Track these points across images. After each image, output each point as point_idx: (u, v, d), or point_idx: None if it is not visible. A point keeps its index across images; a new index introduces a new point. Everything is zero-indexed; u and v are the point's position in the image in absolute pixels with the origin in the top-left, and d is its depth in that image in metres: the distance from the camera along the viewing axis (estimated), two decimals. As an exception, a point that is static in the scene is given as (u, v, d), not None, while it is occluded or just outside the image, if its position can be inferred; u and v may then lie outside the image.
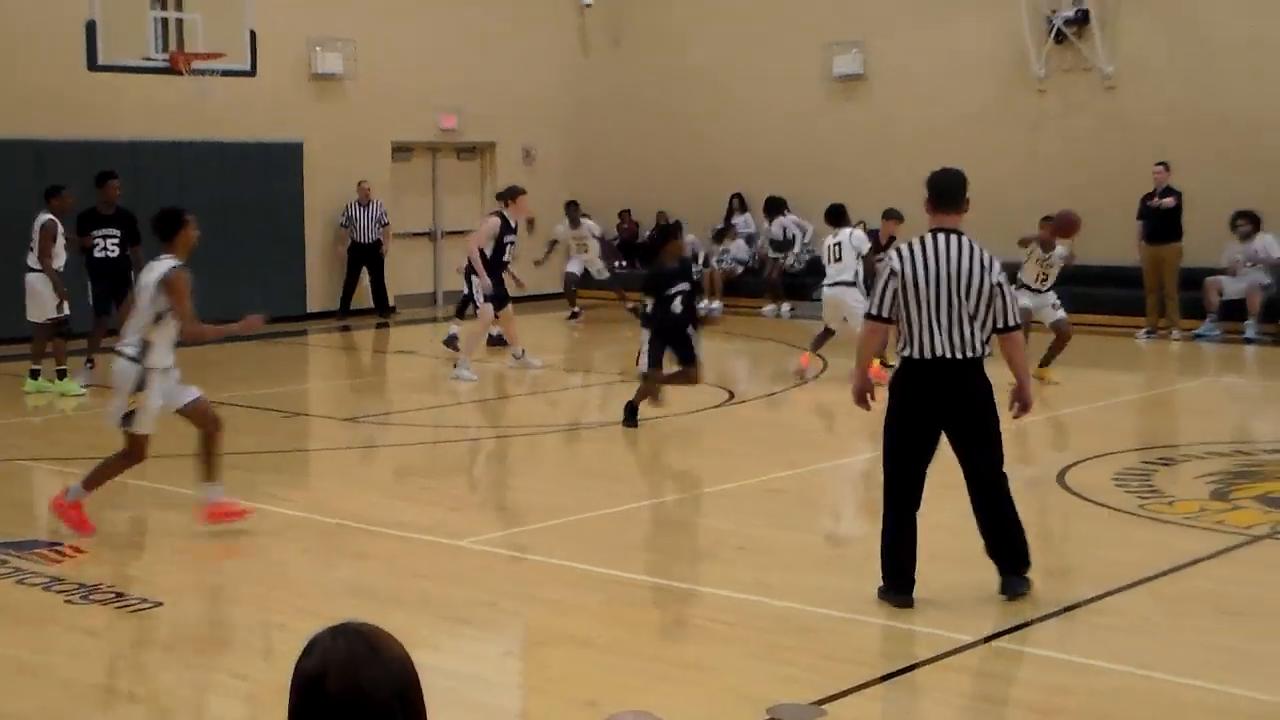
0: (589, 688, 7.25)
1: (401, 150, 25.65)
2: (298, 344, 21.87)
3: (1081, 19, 22.81)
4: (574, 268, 24.49)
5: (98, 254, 16.78)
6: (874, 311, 8.41)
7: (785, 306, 24.67)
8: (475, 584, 9.24)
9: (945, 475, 8.56)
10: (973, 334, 8.17)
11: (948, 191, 8.50)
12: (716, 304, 25.18)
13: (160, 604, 8.73)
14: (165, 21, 18.44)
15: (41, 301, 16.38)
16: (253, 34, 19.15)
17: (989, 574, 8.92)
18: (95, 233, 16.80)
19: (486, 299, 17.42)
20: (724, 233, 26.12)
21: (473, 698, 7.11)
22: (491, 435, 15.03)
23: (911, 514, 8.37)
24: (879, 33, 24.83)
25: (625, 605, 8.84)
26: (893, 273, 8.24)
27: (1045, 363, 16.36)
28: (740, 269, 25.81)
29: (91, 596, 8.80)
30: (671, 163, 27.05)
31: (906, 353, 8.29)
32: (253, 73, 19.52)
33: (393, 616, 8.07)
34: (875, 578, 8.83)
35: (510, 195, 17.88)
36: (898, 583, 8.29)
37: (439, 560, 9.79)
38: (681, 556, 9.97)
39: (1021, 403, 8.55)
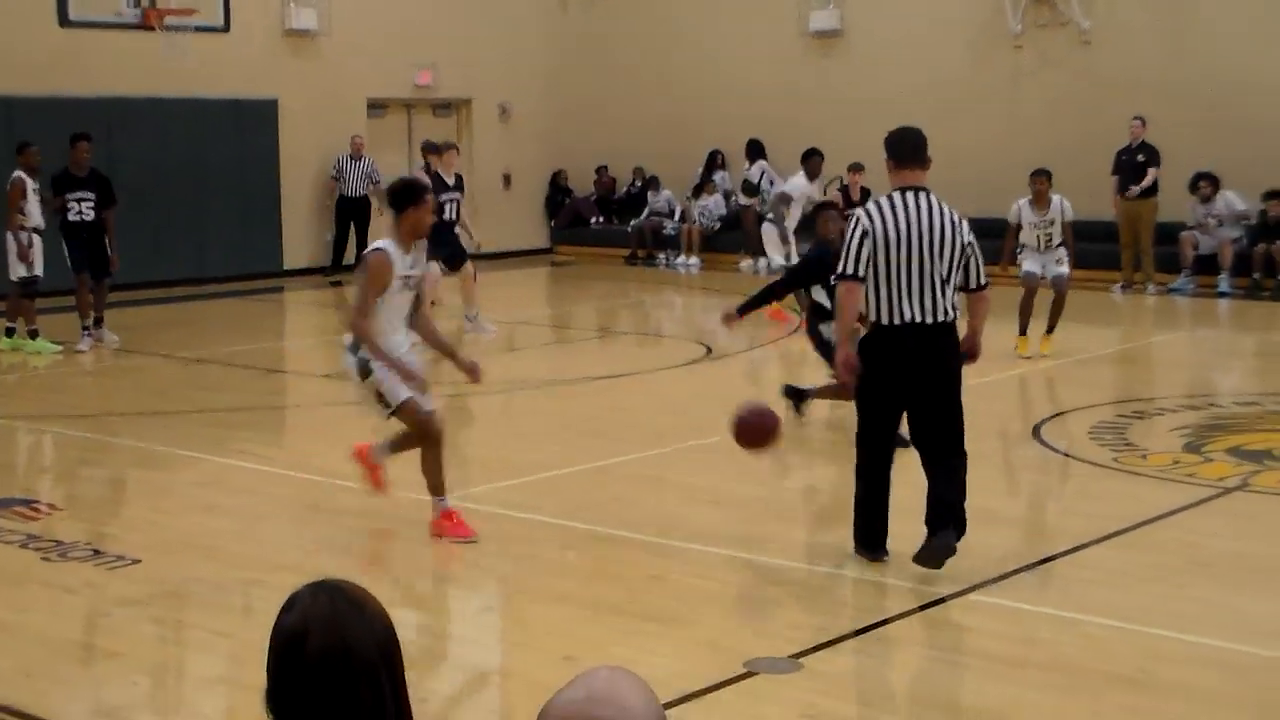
0: (567, 643, 7.28)
1: (376, 107, 25.55)
2: (274, 300, 21.83)
3: (1057, -28, 22.79)
4: None
5: (71, 217, 16.52)
6: (850, 270, 7.98)
7: (762, 261, 24.66)
8: (444, 539, 9.26)
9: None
10: (945, 297, 7.97)
11: (912, 147, 8.24)
12: (694, 260, 25.20)
13: (139, 561, 8.73)
14: (137, -24, 18.37)
15: (9, 261, 16.32)
16: (226, -10, 19.08)
17: (968, 529, 8.97)
18: (69, 195, 16.56)
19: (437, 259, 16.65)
20: (701, 188, 26.09)
21: (451, 653, 7.15)
22: (469, 392, 15.02)
23: (885, 475, 8.28)
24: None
25: (603, 560, 8.87)
26: (865, 233, 7.93)
27: (1050, 329, 15.59)
28: (718, 225, 25.78)
29: (69, 554, 8.80)
30: (649, 119, 26.98)
31: (875, 318, 8.02)
32: (226, 29, 19.46)
33: (370, 573, 8.10)
34: (850, 532, 8.87)
35: (435, 150, 17.65)
36: (871, 540, 8.23)
37: (417, 517, 9.80)
38: (658, 512, 10.00)
39: (970, 353, 8.32)
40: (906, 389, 8.07)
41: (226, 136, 22.74)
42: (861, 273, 7.94)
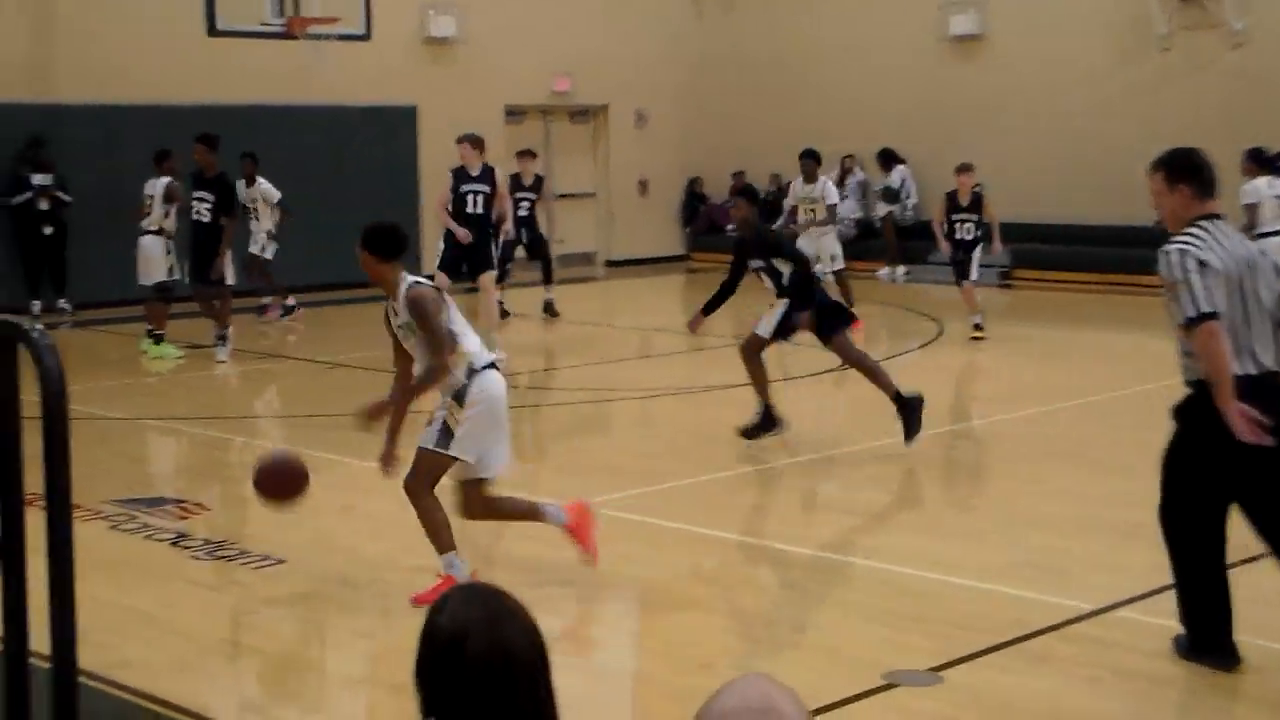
0: (704, 650, 7.29)
1: (515, 113, 25.74)
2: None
3: (1210, -27, 22.40)
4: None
5: (192, 216, 16.56)
6: (1208, 309, 6.40)
7: (900, 270, 24.55)
8: (590, 546, 9.31)
9: (1052, 444, 8.51)
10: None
11: (1211, 173, 6.96)
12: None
13: (283, 561, 8.88)
14: (283, -12, 18.68)
15: (153, 265, 16.54)
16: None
17: (1103, 543, 8.88)
18: (191, 195, 16.63)
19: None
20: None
21: (590, 660, 7.19)
22: (607, 398, 15.10)
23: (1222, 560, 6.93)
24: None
25: (738, 568, 8.89)
26: (1202, 264, 6.46)
27: None
28: (855, 232, 25.64)
29: (216, 553, 8.98)
30: (784, 124, 26.88)
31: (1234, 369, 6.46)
32: (367, 37, 19.72)
33: (509, 578, 8.17)
34: (994, 547, 8.78)
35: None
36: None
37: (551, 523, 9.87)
38: (794, 520, 9.98)
39: None
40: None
41: (367, 143, 23.05)
42: (1222, 308, 6.47)
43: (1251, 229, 15.95)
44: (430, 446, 8.04)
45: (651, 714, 6.73)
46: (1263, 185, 16.44)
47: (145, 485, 10.82)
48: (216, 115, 21.03)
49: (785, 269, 11.91)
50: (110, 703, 6.58)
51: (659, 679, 7.18)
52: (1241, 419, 6.32)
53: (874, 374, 11.69)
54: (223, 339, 16.37)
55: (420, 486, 8.07)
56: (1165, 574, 8.35)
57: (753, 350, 11.98)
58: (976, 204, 17.10)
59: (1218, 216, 6.76)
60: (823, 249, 18.21)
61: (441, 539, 8.03)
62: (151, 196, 16.47)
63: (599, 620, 8.17)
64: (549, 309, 19.65)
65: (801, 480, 11.10)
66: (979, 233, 17.24)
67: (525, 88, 25.57)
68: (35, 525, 2.98)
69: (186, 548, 9.12)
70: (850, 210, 25.82)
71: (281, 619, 8.11)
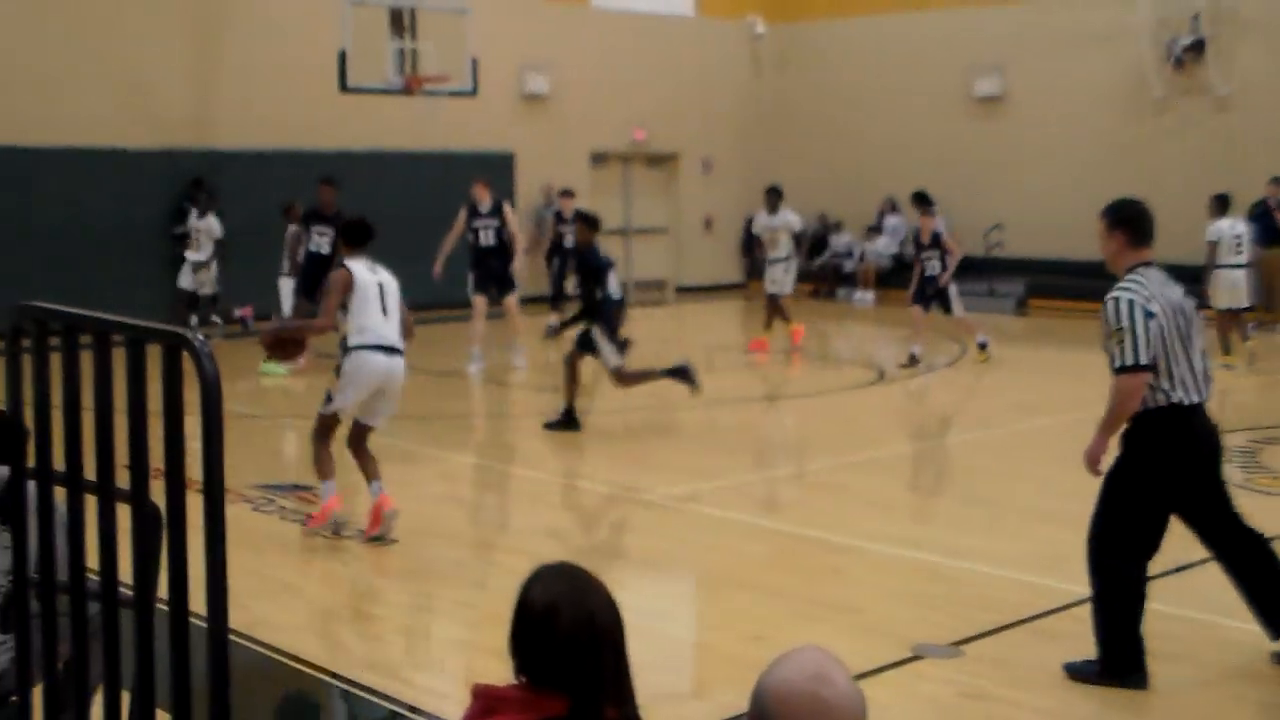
0: (756, 624, 7.30)
1: (598, 159, 25.82)
2: (503, 324, 22.11)
3: (1198, 46, 22.27)
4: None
5: (312, 248, 16.57)
6: (1145, 361, 6.21)
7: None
8: (656, 533, 9.34)
9: (1062, 450, 8.40)
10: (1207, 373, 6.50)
11: (1149, 222, 6.74)
12: (870, 294, 25.04)
13: (396, 541, 8.96)
14: (403, 50, 18.78)
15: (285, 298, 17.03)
16: (474, 60, 19.41)
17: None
18: (314, 228, 16.58)
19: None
20: (876, 231, 25.93)
21: (658, 630, 7.20)
22: (675, 407, 15.12)
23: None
24: (1017, 58, 24.48)
25: (787, 554, 8.88)
26: (1149, 315, 6.22)
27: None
28: (890, 264, 25.56)
29: (341, 532, 9.05)
30: (831, 169, 26.93)
31: (1174, 399, 6.30)
32: (473, 93, 19.79)
33: (589, 558, 8.21)
34: (1009, 538, 8.73)
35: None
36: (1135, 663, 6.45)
37: (624, 511, 9.91)
38: (837, 513, 9.97)
39: None
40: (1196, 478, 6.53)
41: (470, 183, 23.12)
42: (1151, 361, 6.24)
43: (1211, 262, 16.41)
44: (319, 409, 9.11)
45: (711, 678, 6.74)
46: (1224, 226, 16.59)
47: (280, 473, 10.92)
48: (346, 160, 21.25)
49: (599, 292, 11.99)
50: (251, 656, 6.67)
51: (717, 648, 7.20)
52: (1097, 455, 6.47)
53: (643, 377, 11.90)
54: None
55: (316, 436, 9.09)
56: (1158, 564, 8.29)
57: (575, 361, 12.41)
58: (936, 242, 16.68)
59: (1149, 264, 6.52)
60: (771, 272, 18.31)
61: (320, 471, 9.02)
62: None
63: (665, 596, 8.19)
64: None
65: (843, 478, 11.08)
66: (941, 268, 16.64)
67: (608, 137, 25.64)
68: (194, 506, 3.04)
69: (315, 527, 9.21)
70: (887, 247, 25.75)
71: (393, 589, 8.19)
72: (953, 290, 16.66)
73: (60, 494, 3.55)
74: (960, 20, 25.32)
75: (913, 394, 15.61)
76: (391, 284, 9.05)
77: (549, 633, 2.76)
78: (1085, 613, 7.38)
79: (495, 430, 13.64)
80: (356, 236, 9.18)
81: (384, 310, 8.92)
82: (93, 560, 3.44)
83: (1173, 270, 6.81)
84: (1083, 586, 7.73)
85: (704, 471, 11.40)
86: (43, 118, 19.09)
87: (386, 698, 6.30)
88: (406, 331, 9.10)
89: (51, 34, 19.22)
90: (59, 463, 3.50)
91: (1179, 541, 8.86)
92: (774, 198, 18.54)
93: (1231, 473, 10.69)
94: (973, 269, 24.59)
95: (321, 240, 16.40)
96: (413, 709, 6.17)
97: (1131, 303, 6.26)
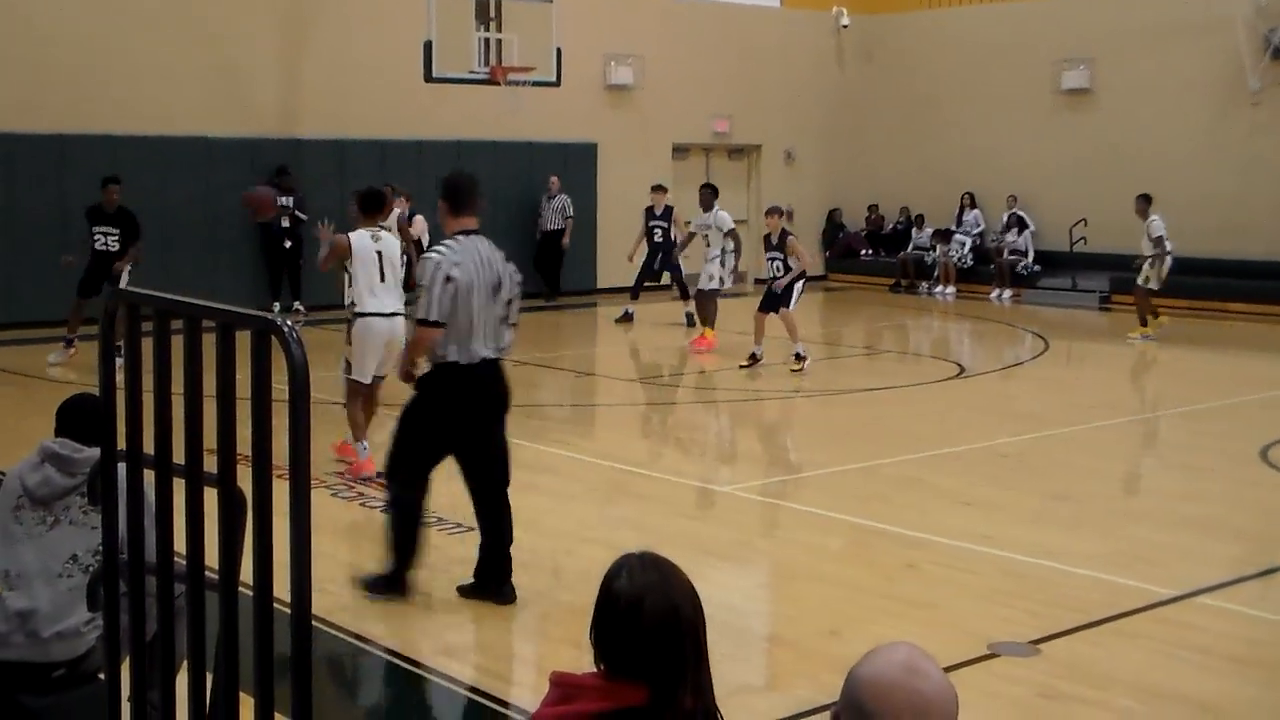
0: (832, 619, 7.30)
1: (680, 150, 25.81)
2: (588, 314, 22.21)
3: (1298, 35, 21.83)
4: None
5: (98, 246, 15.54)
6: (433, 317, 7.10)
7: (1006, 292, 24.24)
8: (734, 525, 9.35)
9: (1145, 448, 8.36)
10: (503, 334, 7.38)
11: (469, 194, 7.45)
12: (950, 289, 24.87)
13: (472, 529, 9.00)
14: (487, 41, 18.87)
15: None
16: (558, 51, 19.47)
17: (1192, 536, 8.72)
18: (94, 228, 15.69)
19: None
20: (957, 226, 25.74)
21: (730, 622, 7.22)
22: (754, 398, 15.13)
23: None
24: (1106, 51, 24.17)
25: (864, 548, 8.86)
26: (449, 278, 7.09)
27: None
28: (971, 259, 25.36)
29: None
30: (914, 163, 26.79)
31: (454, 357, 7.19)
32: (558, 83, 19.84)
33: (663, 549, 8.22)
34: (1089, 536, 8.67)
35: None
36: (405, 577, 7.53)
37: (703, 503, 9.92)
38: (914, 508, 9.93)
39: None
40: (477, 422, 7.42)
41: (555, 173, 23.24)
42: (445, 318, 7.12)
43: None
44: (342, 374, 10.31)
45: (786, 671, 6.74)
46: None
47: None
48: (430, 149, 21.43)
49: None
50: (333, 641, 6.76)
51: (792, 640, 7.20)
52: (405, 372, 7.64)
53: None
54: None
55: (349, 400, 10.32)
56: (1245, 566, 8.18)
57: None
58: (782, 243, 15.87)
59: (470, 232, 7.35)
60: (706, 269, 18.16)
61: (355, 433, 10.26)
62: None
63: (740, 589, 8.19)
64: (689, 320, 19.46)
65: (920, 473, 11.03)
66: (787, 269, 15.78)
67: (690, 129, 25.62)
68: (279, 491, 3.08)
69: (395, 514, 9.30)
70: (965, 244, 25.53)
71: (466, 576, 8.23)
72: (796, 289, 15.85)
73: (149, 477, 3.61)
74: (1048, 12, 25.04)
75: (994, 389, 15.49)
76: (391, 250, 10.12)
77: (634, 623, 2.77)
78: (1170, 614, 7.33)
79: (585, 420, 13.68)
80: (367, 205, 10.23)
81: (381, 276, 9.99)
82: (180, 543, 3.50)
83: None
84: (1167, 587, 7.68)
85: (782, 464, 11.40)
86: (133, 107, 19.38)
87: (462, 684, 6.36)
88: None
89: (142, 24, 19.48)
90: (149, 446, 3.56)
91: (1262, 549, 8.74)
92: (708, 194, 18.45)
93: None
94: (1057, 264, 24.40)
95: (108, 239, 15.50)
96: (489, 696, 6.22)
97: (438, 264, 7.17)
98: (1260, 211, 21.60)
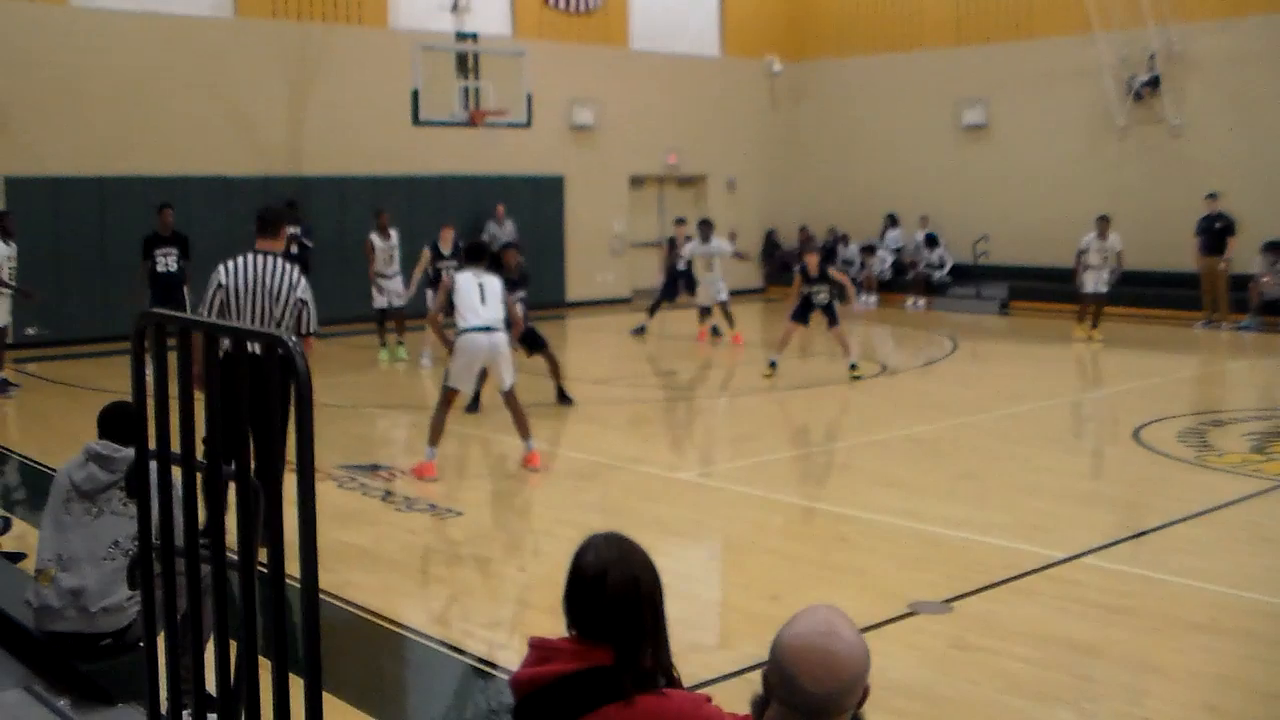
0: (773, 585, 7.33)
1: (637, 181, 25.83)
2: (558, 324, 22.19)
3: (1154, 83, 22.20)
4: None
5: (159, 268, 15.42)
6: (203, 316, 7.22)
7: (921, 300, 24.36)
8: (687, 506, 9.36)
9: (1040, 432, 8.41)
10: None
11: (270, 222, 7.85)
12: (873, 298, 24.96)
13: (461, 514, 9.01)
14: (467, 89, 18.83)
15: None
16: (529, 96, 19.46)
17: (1078, 507, 8.79)
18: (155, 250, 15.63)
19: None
20: (870, 246, 25.85)
21: (686, 590, 7.23)
22: (704, 395, 15.15)
23: None
24: (1000, 92, 24.39)
25: (801, 524, 8.89)
26: (219, 285, 7.59)
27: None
28: (891, 273, 25.48)
29: (414, 506, 9.11)
30: (839, 189, 26.91)
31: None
32: (528, 125, 19.83)
33: (627, 528, 8.23)
34: (994, 509, 8.72)
35: (441, 226, 16.65)
36: None
37: (660, 487, 9.92)
38: (845, 489, 9.98)
39: None
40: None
41: (527, 203, 23.24)
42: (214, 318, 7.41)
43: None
44: (443, 383, 10.12)
45: (734, 632, 6.76)
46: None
47: (362, 455, 10.98)
48: (418, 184, 21.38)
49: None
50: (340, 613, 6.73)
51: (739, 606, 7.22)
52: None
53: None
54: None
55: (439, 404, 10.13)
56: (1120, 530, 8.28)
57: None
58: (823, 275, 15.26)
59: (260, 252, 7.65)
60: (712, 285, 18.63)
61: (433, 436, 10.05)
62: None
63: (693, 560, 8.21)
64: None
65: (849, 459, 11.08)
66: (831, 297, 15.26)
67: (644, 162, 25.64)
68: (288, 484, 3.08)
69: (391, 502, 9.28)
70: (885, 259, 25.65)
71: (458, 556, 8.24)
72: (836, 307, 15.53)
73: (176, 472, 3.60)
74: (949, 59, 25.24)
75: (909, 385, 15.57)
76: (490, 282, 10.15)
77: (599, 593, 2.78)
78: (1060, 573, 7.39)
79: (559, 417, 13.66)
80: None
81: (483, 300, 10.00)
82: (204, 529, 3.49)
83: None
84: (1058, 550, 7.75)
85: (730, 452, 11.41)
86: (163, 152, 19.27)
87: (453, 648, 6.35)
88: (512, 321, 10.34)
89: (169, 82, 19.36)
90: (175, 445, 3.55)
91: (1135, 516, 8.84)
92: (706, 229, 18.77)
93: (1182, 451, 10.66)
94: (963, 275, 24.56)
95: (167, 260, 15.35)
96: (476, 658, 6.22)
97: (215, 275, 7.59)
98: (1128, 228, 21.85)
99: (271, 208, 8.08)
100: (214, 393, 3.40)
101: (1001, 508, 8.99)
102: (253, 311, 7.56)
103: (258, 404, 3.28)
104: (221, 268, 7.68)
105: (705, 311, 19.02)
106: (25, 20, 18.23)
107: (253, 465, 3.32)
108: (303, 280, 7.70)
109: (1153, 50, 22.15)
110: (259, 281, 7.59)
